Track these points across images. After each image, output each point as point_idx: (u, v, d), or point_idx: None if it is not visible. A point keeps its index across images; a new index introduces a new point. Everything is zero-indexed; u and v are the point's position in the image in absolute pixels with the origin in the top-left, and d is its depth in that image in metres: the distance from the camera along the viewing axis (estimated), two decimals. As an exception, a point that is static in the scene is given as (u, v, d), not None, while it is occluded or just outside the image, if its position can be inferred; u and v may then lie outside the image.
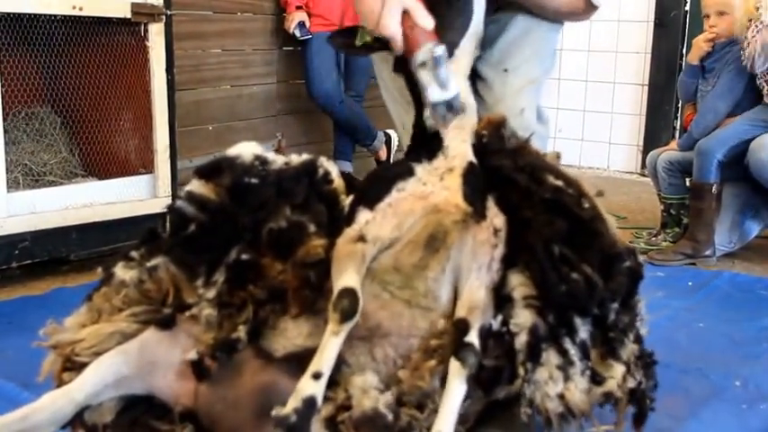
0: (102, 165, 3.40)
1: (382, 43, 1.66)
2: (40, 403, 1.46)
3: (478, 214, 1.50)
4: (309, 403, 1.35)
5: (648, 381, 1.57)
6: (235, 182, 1.56)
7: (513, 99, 1.93)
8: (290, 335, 1.50)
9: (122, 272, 1.58)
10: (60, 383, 1.51)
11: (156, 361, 1.50)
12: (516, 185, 1.54)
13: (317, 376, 1.37)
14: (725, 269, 3.57)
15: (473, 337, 1.43)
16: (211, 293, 1.50)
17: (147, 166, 3.33)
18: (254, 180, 1.57)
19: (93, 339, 1.52)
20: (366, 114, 4.95)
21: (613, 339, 1.50)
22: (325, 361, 1.38)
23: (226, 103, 4.58)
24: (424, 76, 1.56)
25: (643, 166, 5.18)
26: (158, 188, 3.32)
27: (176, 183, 3.33)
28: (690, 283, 3.36)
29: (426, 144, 1.64)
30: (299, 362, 1.42)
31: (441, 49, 1.56)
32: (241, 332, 1.48)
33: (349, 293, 1.40)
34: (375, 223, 1.50)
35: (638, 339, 1.57)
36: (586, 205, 1.52)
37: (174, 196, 3.23)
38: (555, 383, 1.45)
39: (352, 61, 4.83)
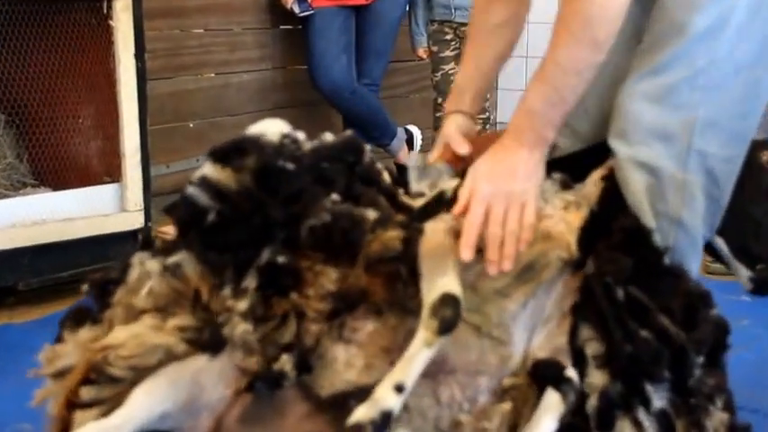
0: (57, 172, 3.19)
1: None
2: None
3: (581, 263, 1.49)
4: (386, 418, 1.34)
5: None
6: (263, 165, 1.48)
7: None
8: (339, 367, 1.46)
9: (141, 265, 1.49)
10: (71, 400, 1.42)
11: (199, 398, 1.45)
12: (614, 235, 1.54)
13: (399, 389, 1.35)
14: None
15: (572, 373, 1.42)
16: (243, 305, 1.42)
17: (112, 174, 3.11)
18: (288, 164, 1.49)
19: (134, 349, 1.44)
20: (383, 107, 4.57)
21: (696, 407, 1.45)
22: (411, 372, 1.36)
23: (210, 94, 4.34)
24: None
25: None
26: (127, 200, 3.07)
27: (149, 193, 3.10)
28: (782, 308, 3.02)
29: (580, 165, 1.61)
30: (345, 405, 1.40)
31: None
32: (286, 363, 1.42)
33: (452, 301, 1.37)
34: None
35: (729, 406, 1.51)
36: None
37: (147, 209, 3.05)
38: None
39: (365, 42, 4.42)
